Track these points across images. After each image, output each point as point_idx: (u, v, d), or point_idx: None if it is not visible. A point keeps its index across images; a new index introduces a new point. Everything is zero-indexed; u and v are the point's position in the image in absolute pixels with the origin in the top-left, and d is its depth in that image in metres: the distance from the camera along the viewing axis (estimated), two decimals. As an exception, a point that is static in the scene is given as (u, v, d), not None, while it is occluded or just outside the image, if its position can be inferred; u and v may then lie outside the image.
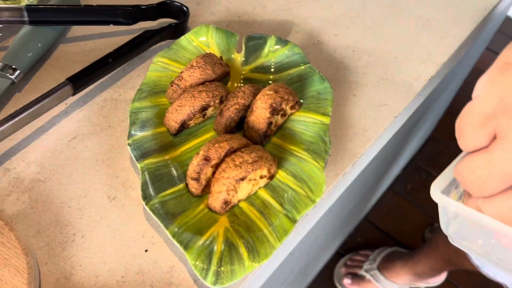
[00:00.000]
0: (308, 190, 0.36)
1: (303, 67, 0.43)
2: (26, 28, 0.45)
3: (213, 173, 0.36)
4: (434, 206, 0.29)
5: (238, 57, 0.45)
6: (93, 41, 0.49)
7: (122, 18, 0.46)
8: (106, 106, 0.43)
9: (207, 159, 0.35)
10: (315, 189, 0.36)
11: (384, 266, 1.14)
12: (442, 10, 0.53)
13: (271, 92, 0.39)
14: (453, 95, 1.17)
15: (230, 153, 0.36)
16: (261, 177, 0.36)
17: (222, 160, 0.36)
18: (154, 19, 0.49)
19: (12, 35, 0.49)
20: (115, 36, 0.49)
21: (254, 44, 0.45)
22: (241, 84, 0.44)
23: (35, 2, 0.49)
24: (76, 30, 0.50)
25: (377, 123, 0.42)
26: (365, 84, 0.45)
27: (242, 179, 0.35)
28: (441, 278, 1.12)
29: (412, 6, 0.54)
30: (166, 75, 0.43)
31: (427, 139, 1.42)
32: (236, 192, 0.35)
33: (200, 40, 0.45)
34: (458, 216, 0.28)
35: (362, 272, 1.15)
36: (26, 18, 0.43)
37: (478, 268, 0.81)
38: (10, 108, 0.43)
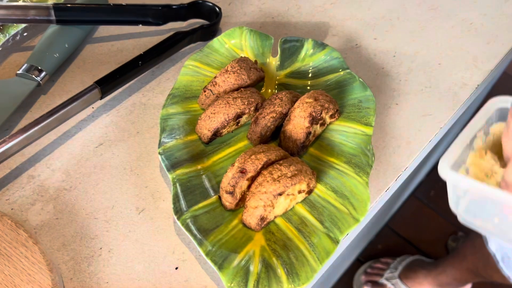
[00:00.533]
0: (351, 208, 0.33)
1: (342, 72, 0.40)
2: (52, 28, 0.44)
3: (248, 186, 0.34)
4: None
5: (273, 61, 0.42)
6: (120, 42, 0.47)
7: (151, 18, 0.44)
8: (134, 111, 0.41)
9: (243, 171, 0.33)
10: (358, 206, 0.33)
11: (406, 275, 1.10)
12: (486, 13, 0.50)
13: (310, 100, 0.36)
14: (481, 99, 1.13)
15: (267, 165, 0.34)
16: (300, 191, 0.34)
17: (258, 173, 0.34)
18: (184, 19, 0.46)
19: (38, 34, 0.47)
20: (143, 36, 0.47)
21: (290, 48, 0.42)
22: (276, 90, 0.42)
23: (61, 1, 0.47)
24: (103, 30, 0.48)
25: (421, 134, 0.40)
26: (407, 92, 0.43)
27: (280, 194, 0.32)
28: (465, 289, 1.08)
29: (454, 9, 0.50)
30: (197, 79, 0.40)
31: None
32: (273, 208, 0.33)
33: (233, 42, 0.43)
34: (468, 192, 0.26)
35: (382, 280, 1.11)
36: (53, 17, 0.41)
37: (509, 279, 0.77)
38: (35, 111, 0.41)
